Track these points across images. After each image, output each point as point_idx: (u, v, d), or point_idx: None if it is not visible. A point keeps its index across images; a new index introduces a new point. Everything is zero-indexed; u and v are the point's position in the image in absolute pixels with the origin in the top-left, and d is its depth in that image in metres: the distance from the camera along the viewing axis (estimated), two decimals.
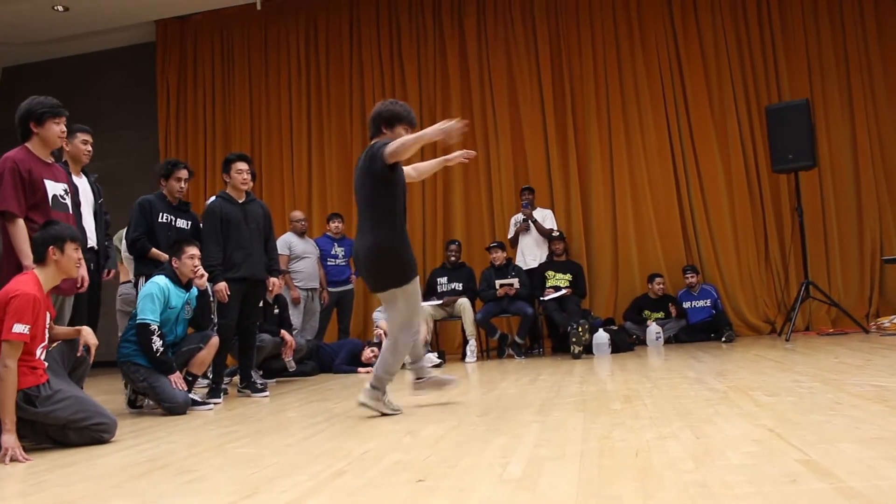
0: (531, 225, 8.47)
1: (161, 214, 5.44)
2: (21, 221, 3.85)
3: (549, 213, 8.77)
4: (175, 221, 5.52)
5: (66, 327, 4.00)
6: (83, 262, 4.29)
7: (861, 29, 8.89)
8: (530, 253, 8.52)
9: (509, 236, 8.78)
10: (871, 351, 5.68)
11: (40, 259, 3.61)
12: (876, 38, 8.83)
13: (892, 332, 7.32)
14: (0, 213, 3.88)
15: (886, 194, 8.69)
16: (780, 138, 7.73)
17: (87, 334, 3.89)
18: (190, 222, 5.63)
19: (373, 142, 4.08)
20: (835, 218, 8.77)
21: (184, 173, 5.56)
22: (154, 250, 5.35)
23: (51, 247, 3.60)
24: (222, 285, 5.26)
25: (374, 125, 4.16)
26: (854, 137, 8.84)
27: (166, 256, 5.26)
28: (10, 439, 3.25)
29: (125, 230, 5.77)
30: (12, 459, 3.21)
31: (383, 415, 3.97)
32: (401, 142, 3.84)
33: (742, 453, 2.45)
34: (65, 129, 4.15)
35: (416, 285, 4.06)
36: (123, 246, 5.98)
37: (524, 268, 8.37)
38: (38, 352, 3.49)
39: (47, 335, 3.62)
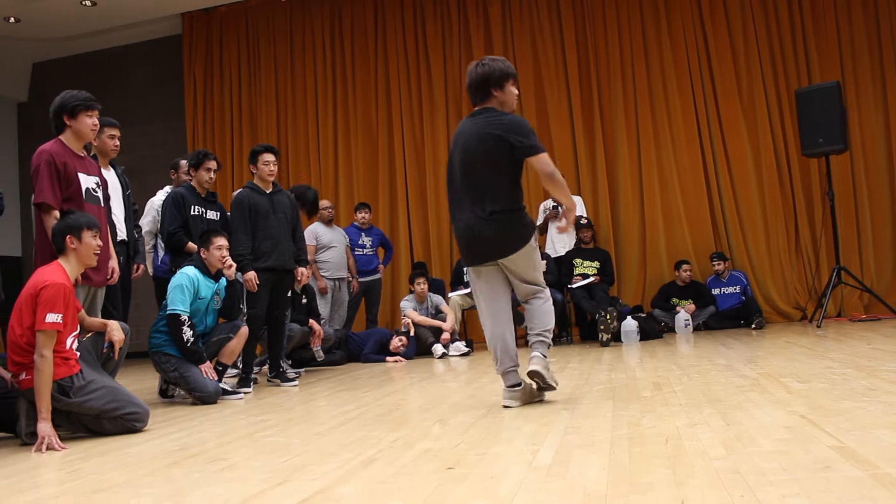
0: (559, 212, 8.43)
1: (193, 207, 5.48)
2: (56, 213, 3.90)
3: (578, 199, 8.72)
4: (206, 213, 5.56)
5: (96, 319, 4.04)
6: (114, 253, 4.35)
7: (895, 8, 8.71)
8: (559, 240, 8.49)
9: (538, 223, 8.74)
10: None
11: (61, 249, 3.66)
12: None
13: None
14: (36, 205, 3.93)
15: None
16: (810, 122, 7.61)
17: (113, 329, 3.90)
18: (219, 213, 5.68)
19: (500, 116, 3.68)
20: (867, 202, 8.63)
21: (213, 164, 5.62)
22: (190, 244, 5.38)
23: (68, 236, 3.64)
24: (251, 274, 5.29)
25: (482, 89, 3.73)
26: (887, 120, 8.68)
27: None
28: (47, 427, 3.31)
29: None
30: (48, 448, 3.27)
31: (543, 388, 3.71)
32: (558, 180, 3.61)
33: (774, 440, 2.42)
34: (97, 122, 4.19)
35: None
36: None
37: (553, 255, 8.35)
38: (70, 341, 3.54)
39: (79, 325, 3.67)
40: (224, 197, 9.52)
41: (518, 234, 3.65)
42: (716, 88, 9.06)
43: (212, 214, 5.60)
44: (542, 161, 3.59)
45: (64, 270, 3.57)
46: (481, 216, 3.62)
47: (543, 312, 3.74)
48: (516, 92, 3.81)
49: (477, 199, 3.65)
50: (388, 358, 7.15)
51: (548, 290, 3.79)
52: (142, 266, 5.39)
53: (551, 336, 3.78)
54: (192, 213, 5.47)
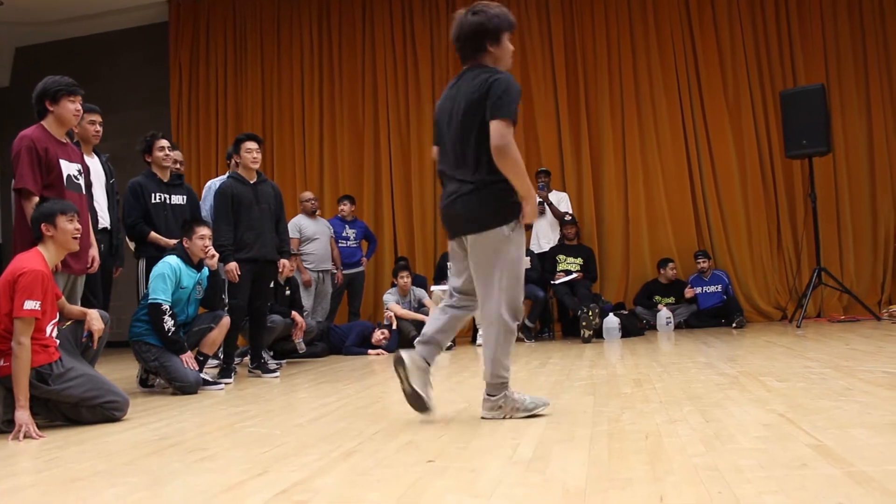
0: (546, 208, 8.44)
1: (154, 195, 5.35)
2: (36, 199, 3.86)
3: (564, 196, 8.74)
4: (170, 199, 5.42)
5: (75, 307, 4.00)
6: (94, 241, 4.32)
7: (879, 14, 8.79)
8: (545, 236, 8.50)
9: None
10: (883, 338, 5.66)
11: (38, 237, 3.62)
12: (894, 24, 8.72)
13: None
14: (16, 190, 3.90)
15: None
16: (794, 124, 7.66)
17: (92, 319, 3.86)
18: (185, 196, 5.55)
19: (487, 76, 3.12)
20: (848, 204, 8.71)
21: (164, 142, 5.45)
22: (153, 234, 5.28)
23: (43, 224, 3.60)
24: (233, 265, 5.27)
25: (474, 42, 3.18)
26: (870, 123, 8.76)
27: (166, 240, 5.24)
28: (24, 415, 3.28)
29: None
30: (26, 436, 3.24)
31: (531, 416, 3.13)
32: (510, 157, 3.01)
33: (753, 437, 2.45)
34: (80, 108, 4.15)
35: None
36: None
37: (538, 251, 8.36)
38: (49, 329, 3.51)
39: (58, 313, 3.64)
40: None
41: (489, 210, 3.09)
42: (702, 88, 9.10)
43: (177, 199, 5.48)
44: (499, 128, 2.99)
45: (43, 257, 3.54)
46: (463, 186, 3.13)
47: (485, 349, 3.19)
48: (512, 48, 3.27)
49: (462, 166, 3.15)
50: (370, 351, 7.15)
51: (499, 319, 3.15)
52: (121, 268, 5.32)
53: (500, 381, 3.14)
54: (153, 200, 5.33)
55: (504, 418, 3.08)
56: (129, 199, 5.33)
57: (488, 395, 3.14)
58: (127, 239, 5.49)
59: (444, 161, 3.30)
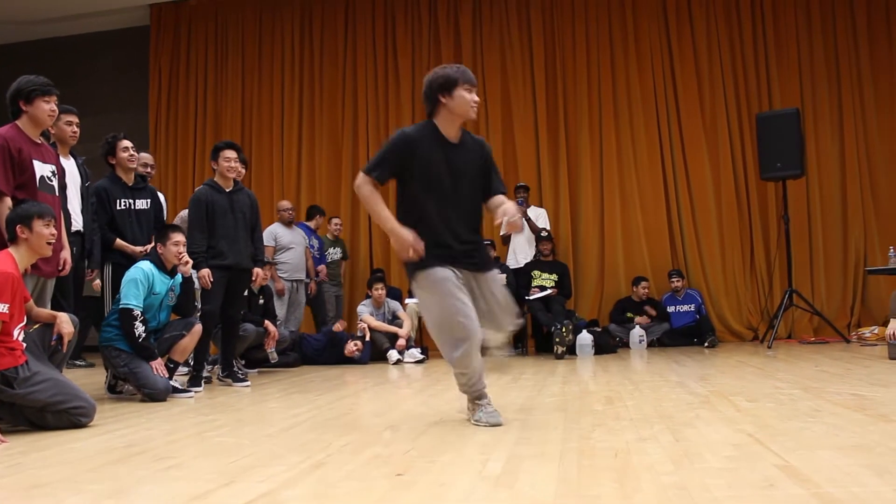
0: (524, 223, 8.46)
1: (119, 201, 5.22)
2: (8, 200, 3.82)
3: (542, 211, 8.77)
4: (134, 204, 5.29)
5: (44, 310, 3.95)
6: (66, 244, 4.27)
7: (853, 41, 8.95)
8: (521, 251, 8.51)
9: (501, 233, 8.77)
10: (852, 360, 5.72)
11: (12, 239, 3.58)
12: (867, 51, 8.90)
13: (872, 343, 7.37)
14: None
15: (872, 205, 8.76)
16: (769, 146, 7.75)
17: (62, 322, 3.81)
18: (149, 200, 5.41)
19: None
20: (820, 227, 8.83)
21: (127, 143, 5.29)
22: (118, 241, 5.16)
23: (18, 226, 3.56)
24: (205, 271, 5.22)
25: (429, 98, 3.42)
26: (842, 148, 8.90)
27: (132, 248, 5.17)
28: None
29: None
30: None
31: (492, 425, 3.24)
32: (368, 200, 3.41)
33: (721, 457, 2.45)
34: (55, 108, 4.11)
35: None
36: None
37: (514, 266, 8.37)
38: (16, 332, 3.45)
39: (26, 316, 3.59)
40: (184, 193, 9.42)
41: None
42: (679, 109, 9.20)
43: (141, 203, 5.34)
44: (358, 183, 3.42)
45: (13, 259, 3.49)
46: None
47: None
48: (468, 97, 3.40)
49: None
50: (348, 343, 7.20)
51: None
52: (95, 270, 5.25)
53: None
54: (118, 207, 5.21)
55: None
56: (95, 205, 5.19)
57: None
58: None
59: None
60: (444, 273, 3.27)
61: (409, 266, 3.33)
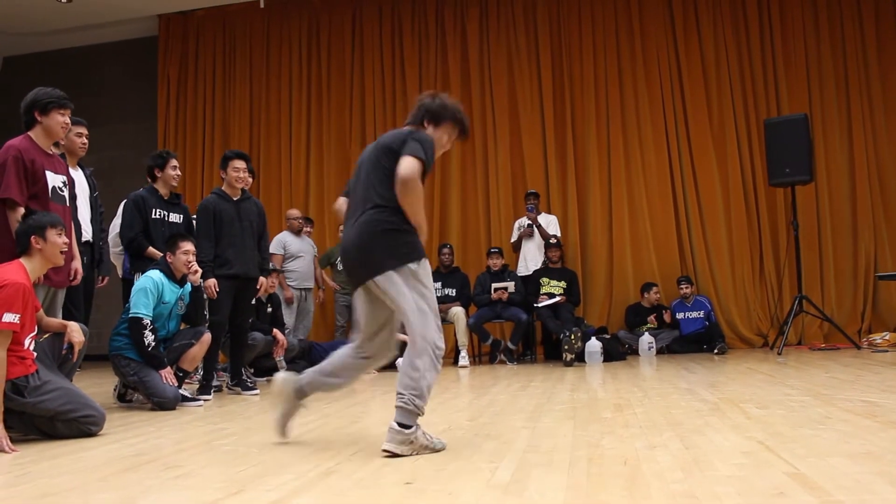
0: (535, 230, 8.47)
1: (154, 210, 5.38)
2: (21, 210, 3.84)
3: (553, 218, 8.76)
4: (168, 216, 5.46)
5: (55, 319, 3.97)
6: (77, 254, 4.29)
7: (861, 46, 8.93)
8: (532, 258, 8.51)
9: (512, 240, 8.79)
10: (862, 367, 5.69)
11: (24, 249, 3.60)
12: (876, 56, 8.87)
13: (883, 349, 7.33)
14: (1, 200, 3.87)
15: (882, 210, 8.71)
16: (777, 152, 7.74)
17: (73, 331, 3.83)
18: (182, 216, 5.59)
19: (407, 128, 3.22)
20: (830, 233, 8.79)
21: (176, 162, 5.51)
22: (150, 249, 5.28)
23: (33, 236, 3.58)
24: (211, 281, 5.25)
25: (416, 113, 3.27)
26: (851, 153, 8.86)
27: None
28: None
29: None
30: None
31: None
32: (415, 191, 2.96)
33: (731, 465, 2.45)
34: (68, 121, 4.14)
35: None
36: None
37: (525, 273, 8.37)
38: (28, 342, 3.47)
39: (36, 326, 3.60)
40: (192, 201, 9.45)
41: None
42: (687, 114, 9.18)
43: (174, 217, 5.51)
44: (402, 176, 3.01)
45: (25, 270, 3.51)
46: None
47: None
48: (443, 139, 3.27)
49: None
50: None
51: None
52: (106, 277, 5.29)
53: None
54: (153, 216, 5.36)
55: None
56: (130, 212, 5.33)
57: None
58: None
59: None
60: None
61: (412, 254, 3.02)
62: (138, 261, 5.34)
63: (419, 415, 2.87)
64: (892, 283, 8.18)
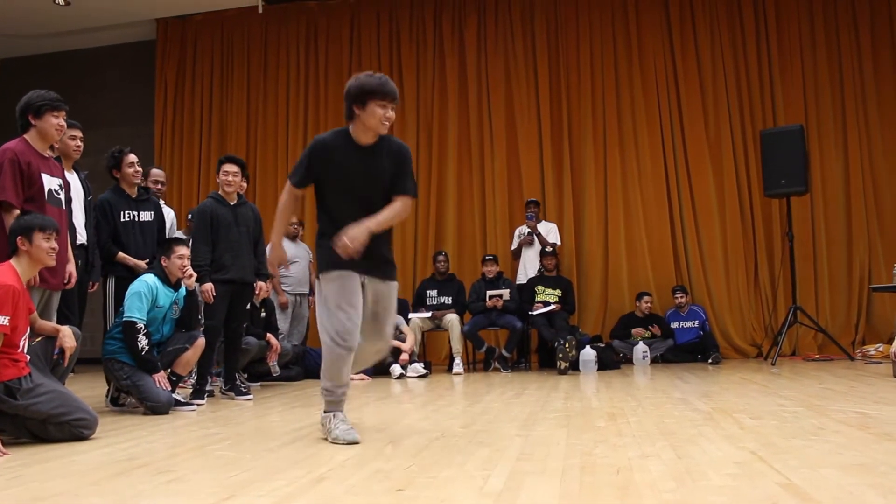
0: (535, 238, 8.48)
1: (122, 213, 5.25)
2: (17, 212, 3.84)
3: (553, 226, 8.77)
4: (138, 216, 5.32)
5: (48, 323, 3.95)
6: (72, 257, 4.28)
7: (857, 58, 8.96)
8: (532, 266, 8.51)
9: (512, 248, 8.81)
10: (856, 378, 5.70)
11: (13, 250, 3.59)
12: (871, 68, 8.90)
13: (877, 360, 7.35)
14: None
15: (876, 222, 8.74)
16: (773, 163, 7.77)
17: (65, 336, 3.81)
18: (153, 213, 5.44)
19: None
20: (825, 244, 8.81)
21: (133, 157, 5.32)
22: (120, 254, 5.19)
23: (19, 237, 3.57)
24: (208, 286, 5.24)
25: (345, 107, 3.43)
26: (847, 165, 8.89)
27: (135, 261, 5.19)
28: None
29: None
30: None
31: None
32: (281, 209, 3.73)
33: (723, 475, 2.45)
34: (63, 123, 4.14)
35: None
36: None
37: (525, 281, 8.38)
38: (21, 344, 3.46)
39: (29, 327, 3.59)
40: (188, 205, 9.44)
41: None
42: (683, 124, 9.21)
43: (145, 216, 5.36)
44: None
45: (15, 271, 3.50)
46: None
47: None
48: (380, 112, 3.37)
49: None
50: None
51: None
52: (96, 283, 5.26)
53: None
54: (122, 219, 5.24)
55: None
56: (98, 218, 5.21)
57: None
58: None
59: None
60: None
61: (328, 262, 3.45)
62: (108, 264, 5.23)
63: (331, 401, 3.50)
64: (886, 294, 8.19)
